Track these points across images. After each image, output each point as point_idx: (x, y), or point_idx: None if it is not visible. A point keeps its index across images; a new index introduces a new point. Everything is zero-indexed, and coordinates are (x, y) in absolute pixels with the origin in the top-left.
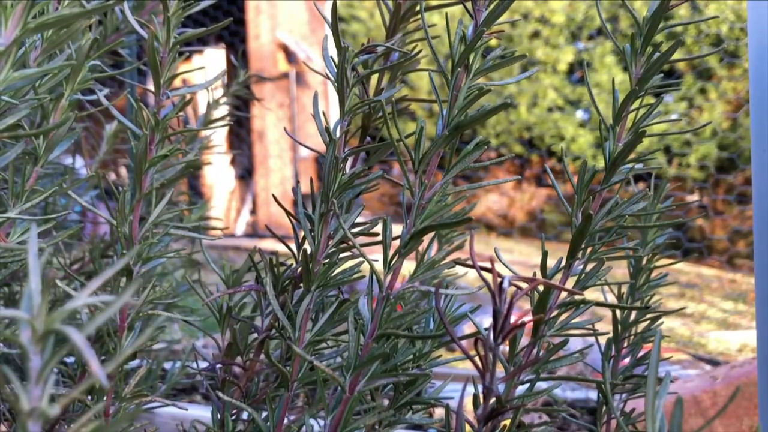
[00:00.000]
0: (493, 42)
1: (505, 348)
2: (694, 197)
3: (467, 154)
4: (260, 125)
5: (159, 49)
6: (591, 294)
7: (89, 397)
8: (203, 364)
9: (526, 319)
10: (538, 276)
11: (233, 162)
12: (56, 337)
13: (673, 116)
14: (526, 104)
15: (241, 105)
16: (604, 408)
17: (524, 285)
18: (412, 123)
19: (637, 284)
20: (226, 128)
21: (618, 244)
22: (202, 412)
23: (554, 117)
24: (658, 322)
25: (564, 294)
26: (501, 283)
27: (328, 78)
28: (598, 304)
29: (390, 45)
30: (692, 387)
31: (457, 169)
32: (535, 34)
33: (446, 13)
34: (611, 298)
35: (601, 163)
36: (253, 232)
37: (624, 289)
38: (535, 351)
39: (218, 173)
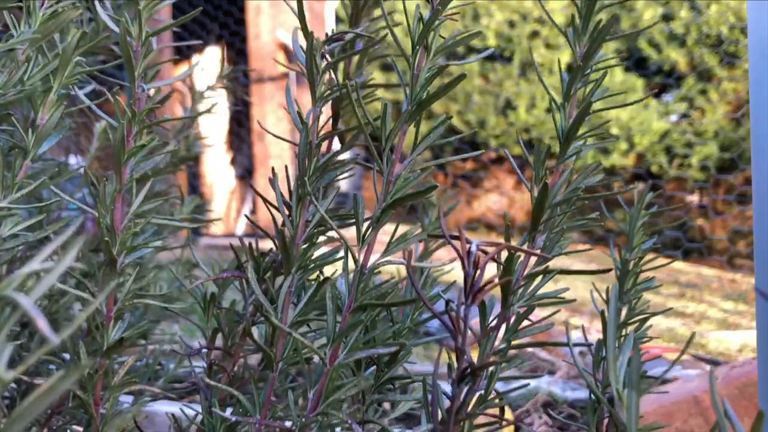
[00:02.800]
0: (492, 42)
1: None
2: (693, 197)
3: (432, 130)
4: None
5: (132, 43)
6: (584, 293)
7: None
8: (198, 361)
9: (495, 280)
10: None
11: (233, 162)
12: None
13: (673, 117)
14: (525, 105)
15: (241, 105)
16: (596, 406)
17: (491, 250)
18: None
19: (624, 287)
20: (227, 128)
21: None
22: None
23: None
24: (648, 323)
25: (530, 268)
26: (469, 248)
27: (299, 66)
28: (563, 271)
29: (358, 32)
30: (692, 387)
31: (423, 145)
32: (534, 34)
33: (403, 2)
34: (597, 298)
35: (601, 162)
36: (253, 232)
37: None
38: (505, 318)
39: (218, 173)
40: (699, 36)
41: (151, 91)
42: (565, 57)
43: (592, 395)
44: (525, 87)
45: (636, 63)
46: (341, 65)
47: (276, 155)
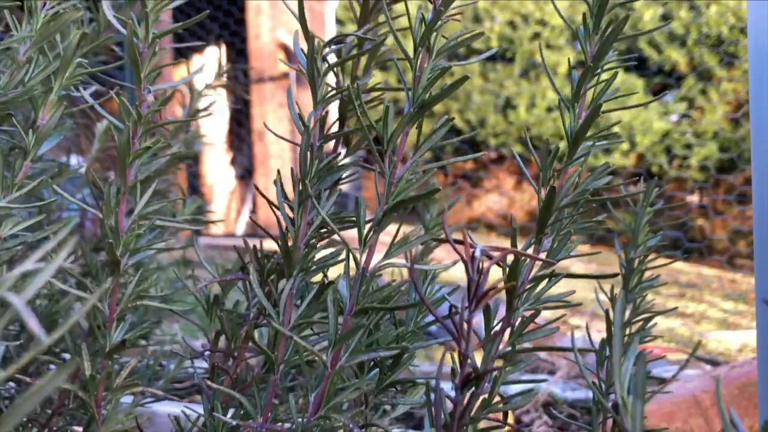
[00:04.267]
0: (494, 43)
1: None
2: (694, 197)
3: (434, 131)
4: (260, 125)
5: (138, 45)
6: (584, 293)
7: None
8: (199, 361)
9: (499, 285)
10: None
11: (233, 162)
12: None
13: (674, 117)
14: (525, 105)
15: (241, 104)
16: (600, 408)
17: (496, 254)
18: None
19: (629, 285)
20: (227, 128)
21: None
22: (201, 411)
23: (553, 116)
24: (652, 322)
25: (536, 271)
26: (473, 252)
27: (300, 68)
28: (570, 275)
29: (359, 34)
30: (692, 387)
31: (425, 147)
32: (536, 36)
33: (405, 3)
34: (603, 298)
35: (602, 161)
36: (254, 232)
37: (616, 290)
38: (510, 322)
39: (218, 173)
40: (699, 36)
41: (157, 93)
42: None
43: (594, 396)
44: (525, 86)
45: (636, 63)
46: (345, 66)
47: (276, 155)
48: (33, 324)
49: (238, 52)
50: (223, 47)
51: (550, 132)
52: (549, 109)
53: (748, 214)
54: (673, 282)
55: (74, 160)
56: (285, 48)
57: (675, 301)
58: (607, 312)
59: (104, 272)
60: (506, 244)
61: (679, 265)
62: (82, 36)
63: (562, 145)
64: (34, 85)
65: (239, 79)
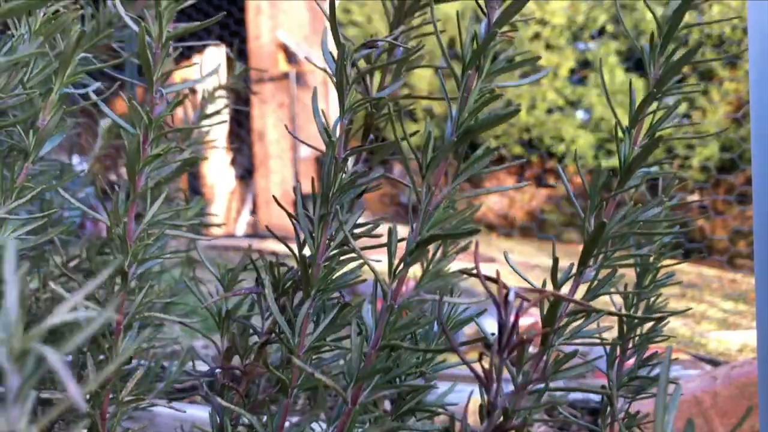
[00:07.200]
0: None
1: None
2: (694, 197)
3: (477, 160)
4: (260, 125)
5: (151, 45)
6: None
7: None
8: (201, 365)
9: (533, 332)
10: (549, 284)
11: (233, 162)
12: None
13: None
14: (526, 106)
15: (242, 105)
16: (608, 410)
17: (531, 296)
18: (413, 124)
19: (643, 284)
20: (227, 128)
21: (629, 251)
22: (201, 413)
23: (554, 118)
24: (664, 322)
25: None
26: (506, 295)
27: (327, 73)
28: (610, 313)
29: (391, 40)
30: (693, 387)
31: (465, 175)
32: (536, 36)
33: (458, 12)
34: (616, 298)
35: (602, 163)
36: (254, 233)
37: (629, 288)
38: (543, 362)
39: (218, 174)
40: (700, 36)
41: (169, 96)
42: (569, 62)
43: (603, 398)
44: (525, 87)
45: (636, 63)
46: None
47: (276, 155)
48: (72, 388)
49: (238, 52)
50: (223, 47)
51: (551, 134)
52: (549, 111)
53: (748, 214)
54: (676, 282)
55: (75, 159)
56: (285, 48)
57: (676, 301)
58: (619, 310)
59: (111, 282)
60: (507, 245)
61: (679, 265)
62: (81, 34)
63: (561, 148)
64: (33, 86)
65: (245, 80)
